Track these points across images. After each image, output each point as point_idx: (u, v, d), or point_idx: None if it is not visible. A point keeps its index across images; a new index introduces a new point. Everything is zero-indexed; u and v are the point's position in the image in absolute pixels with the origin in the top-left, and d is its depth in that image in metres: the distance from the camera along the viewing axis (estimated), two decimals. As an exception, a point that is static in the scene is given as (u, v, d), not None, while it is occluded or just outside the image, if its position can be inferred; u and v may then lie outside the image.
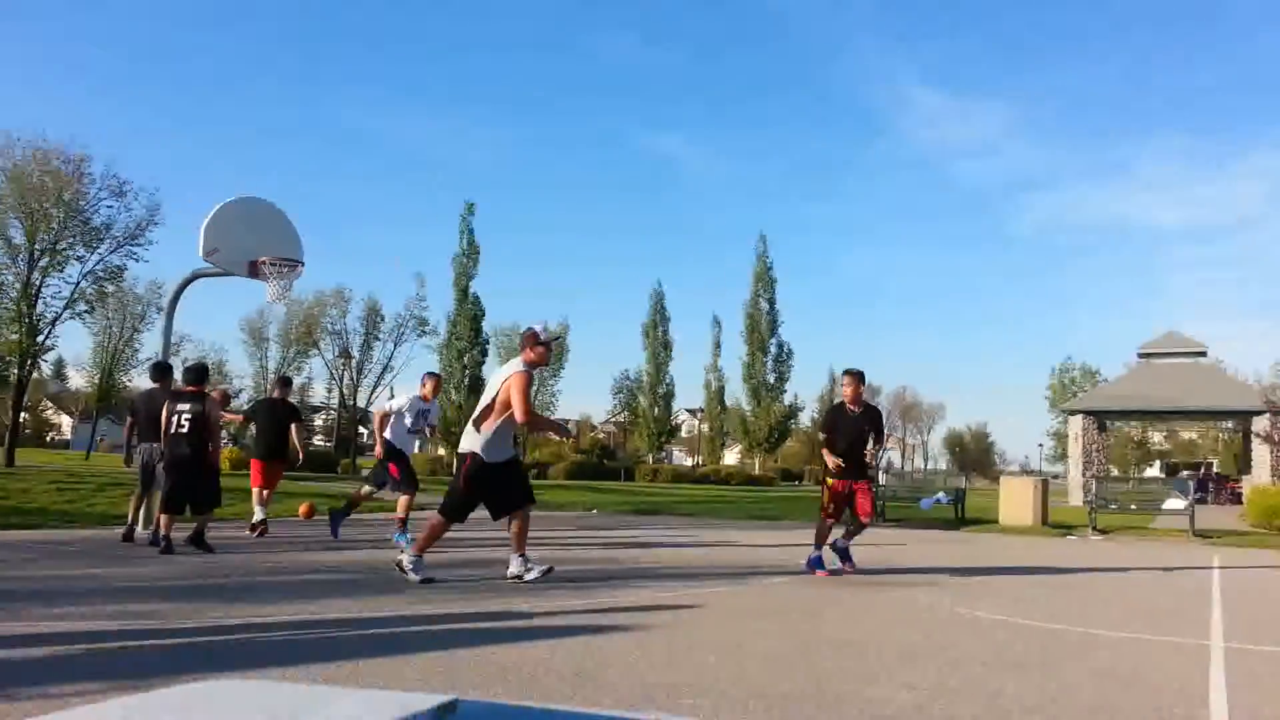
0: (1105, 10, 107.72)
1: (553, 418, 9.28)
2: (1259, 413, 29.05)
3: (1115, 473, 60.51)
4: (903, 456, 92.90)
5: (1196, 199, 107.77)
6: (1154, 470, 66.21)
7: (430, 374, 9.95)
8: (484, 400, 6.84)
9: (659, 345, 49.00)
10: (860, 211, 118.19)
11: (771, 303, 49.50)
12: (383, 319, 41.01)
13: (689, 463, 51.58)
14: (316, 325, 41.71)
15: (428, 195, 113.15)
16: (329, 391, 46.99)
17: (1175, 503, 15.65)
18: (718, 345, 51.77)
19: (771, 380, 49.65)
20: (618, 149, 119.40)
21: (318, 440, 60.61)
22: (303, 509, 11.50)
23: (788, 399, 50.65)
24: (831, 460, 8.19)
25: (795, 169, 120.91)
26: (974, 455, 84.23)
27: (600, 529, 12.81)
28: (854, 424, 8.30)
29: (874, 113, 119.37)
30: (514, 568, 6.83)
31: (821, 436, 8.44)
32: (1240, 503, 27.95)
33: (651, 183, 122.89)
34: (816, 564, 8.13)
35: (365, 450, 44.22)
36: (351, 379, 41.45)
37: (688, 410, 57.78)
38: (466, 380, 42.46)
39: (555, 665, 4.07)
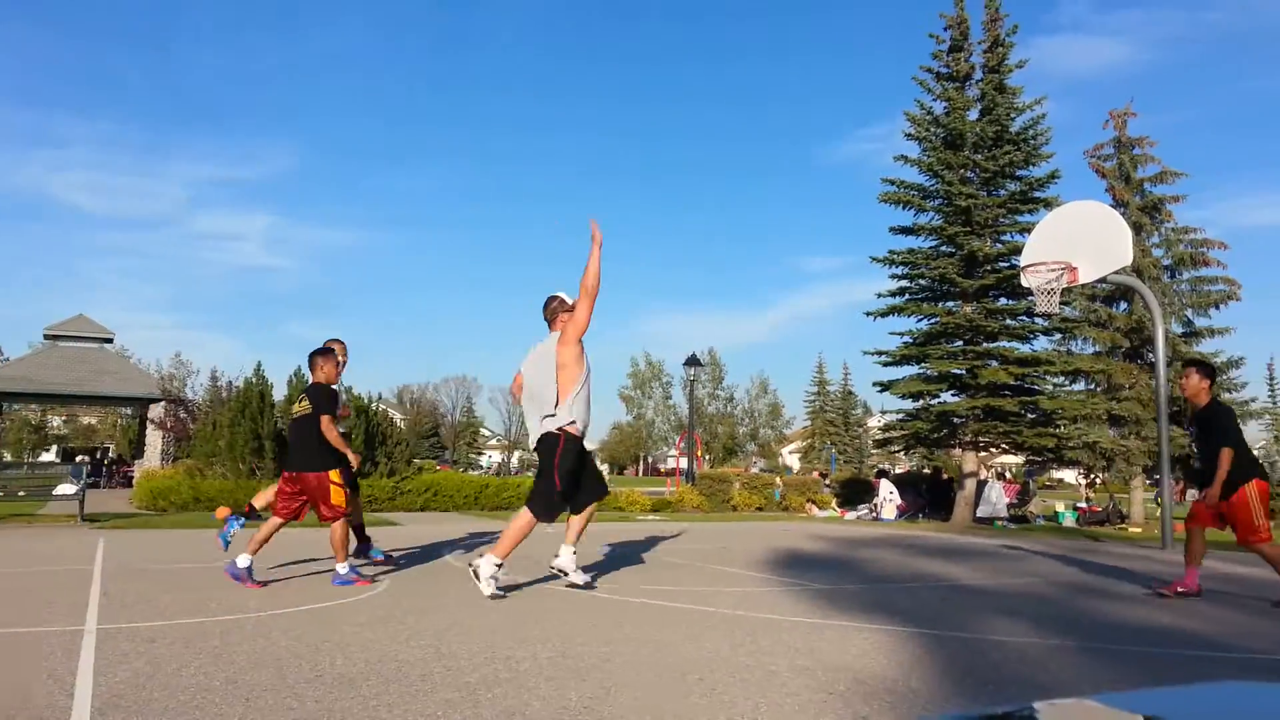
0: None
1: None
2: (156, 400, 31.05)
3: (9, 458, 56.90)
4: None
5: (122, 189, 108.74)
6: (51, 455, 64.45)
7: None
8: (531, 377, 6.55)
9: None
10: None
11: None
12: None
13: None
14: None
15: None
16: None
17: (67, 488, 15.55)
18: None
19: None
20: None
21: None
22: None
23: None
24: (353, 455, 7.34)
25: None
26: None
27: None
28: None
29: None
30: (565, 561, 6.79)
31: (329, 420, 7.21)
32: (132, 485, 29.34)
33: None
34: (358, 571, 7.46)
35: None
36: None
37: None
38: None
39: None
